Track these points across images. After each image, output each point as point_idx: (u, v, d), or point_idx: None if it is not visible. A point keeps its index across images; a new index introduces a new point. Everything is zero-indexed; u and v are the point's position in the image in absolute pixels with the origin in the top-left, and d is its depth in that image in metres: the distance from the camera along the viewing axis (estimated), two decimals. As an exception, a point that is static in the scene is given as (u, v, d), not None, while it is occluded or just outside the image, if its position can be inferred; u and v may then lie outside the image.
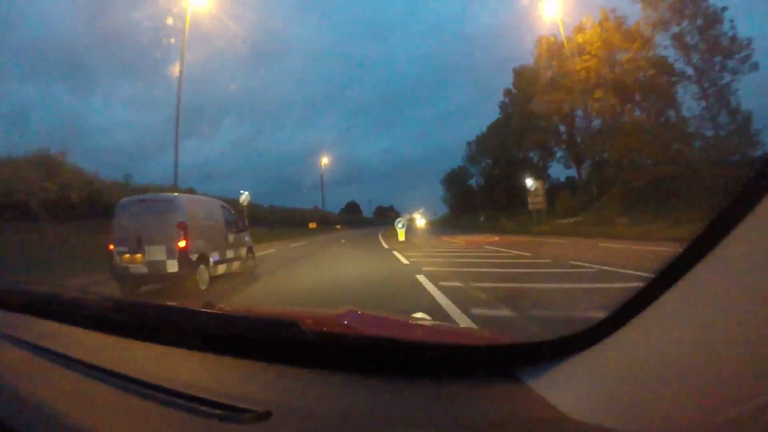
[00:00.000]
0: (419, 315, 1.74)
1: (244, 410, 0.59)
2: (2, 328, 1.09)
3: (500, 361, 0.68)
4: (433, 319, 1.59)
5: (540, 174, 28.52)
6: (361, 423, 0.57)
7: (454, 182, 60.44)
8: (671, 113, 20.36)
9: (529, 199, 22.88)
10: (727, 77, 18.68)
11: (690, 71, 19.47)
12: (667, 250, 0.62)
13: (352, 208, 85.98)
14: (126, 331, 0.96)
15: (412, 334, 0.91)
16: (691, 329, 0.46)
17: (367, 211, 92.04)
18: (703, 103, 19.15)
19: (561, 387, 0.58)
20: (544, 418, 0.54)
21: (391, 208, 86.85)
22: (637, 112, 21.52)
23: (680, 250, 0.49)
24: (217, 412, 0.60)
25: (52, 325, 1.11)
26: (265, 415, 0.57)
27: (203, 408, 0.61)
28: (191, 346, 0.85)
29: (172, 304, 1.08)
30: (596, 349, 0.57)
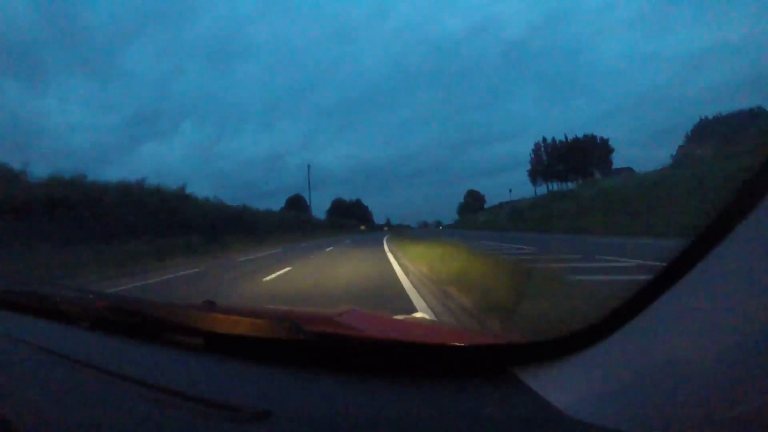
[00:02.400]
0: (419, 315, 1.74)
1: (244, 410, 0.59)
2: (2, 328, 1.09)
3: (500, 360, 0.68)
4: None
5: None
6: (361, 423, 0.57)
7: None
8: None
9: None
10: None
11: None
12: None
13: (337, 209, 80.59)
14: (126, 331, 0.96)
15: (411, 334, 0.91)
16: (692, 329, 0.46)
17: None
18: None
19: (561, 387, 0.57)
20: (544, 418, 0.54)
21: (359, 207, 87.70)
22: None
23: (681, 249, 0.50)
24: (217, 412, 0.60)
25: (52, 325, 1.11)
26: (265, 415, 0.57)
27: (203, 408, 0.61)
28: (191, 346, 0.85)
29: (172, 304, 1.08)
30: (596, 348, 0.57)
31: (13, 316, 1.24)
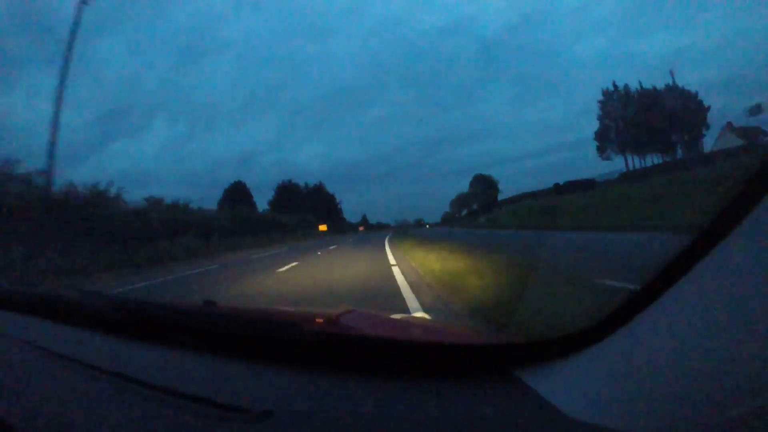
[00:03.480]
0: (419, 314, 1.74)
1: (245, 410, 0.59)
2: (2, 329, 1.09)
3: (500, 360, 0.68)
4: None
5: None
6: (361, 423, 0.57)
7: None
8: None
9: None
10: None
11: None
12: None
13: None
14: (126, 330, 0.96)
15: (411, 333, 0.91)
16: (692, 329, 0.46)
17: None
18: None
19: (561, 387, 0.57)
20: (544, 418, 0.54)
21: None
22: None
23: (681, 249, 0.49)
24: (217, 412, 0.60)
25: (52, 325, 1.11)
26: (266, 415, 0.57)
27: (203, 408, 0.61)
28: (191, 346, 0.85)
29: (172, 304, 1.08)
30: (596, 348, 0.57)
31: (14, 316, 1.24)
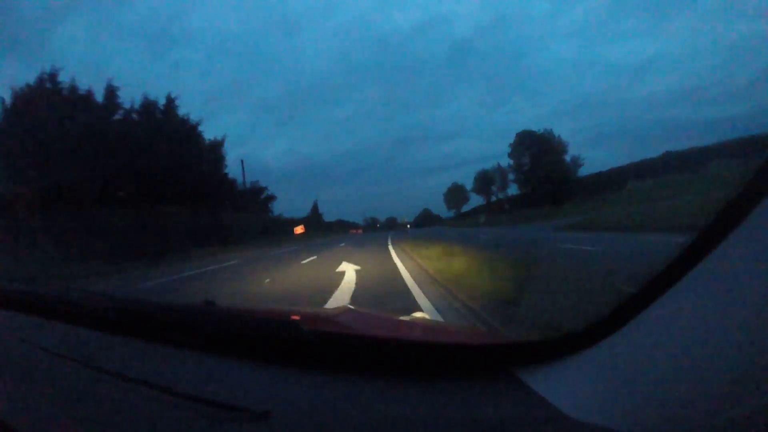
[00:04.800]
0: (419, 314, 1.75)
1: (244, 410, 0.59)
2: (3, 329, 1.09)
3: (500, 360, 0.68)
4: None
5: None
6: (360, 423, 0.57)
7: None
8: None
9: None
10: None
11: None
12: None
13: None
14: (126, 330, 0.96)
15: (410, 333, 0.91)
16: (692, 329, 0.46)
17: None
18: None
19: (561, 387, 0.57)
20: (544, 418, 0.54)
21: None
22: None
23: (681, 249, 0.49)
24: (217, 412, 0.60)
25: (52, 325, 1.11)
26: (265, 415, 0.57)
27: (203, 408, 0.61)
28: (191, 346, 0.85)
29: (172, 304, 1.08)
30: (596, 348, 0.57)
31: (14, 316, 1.24)
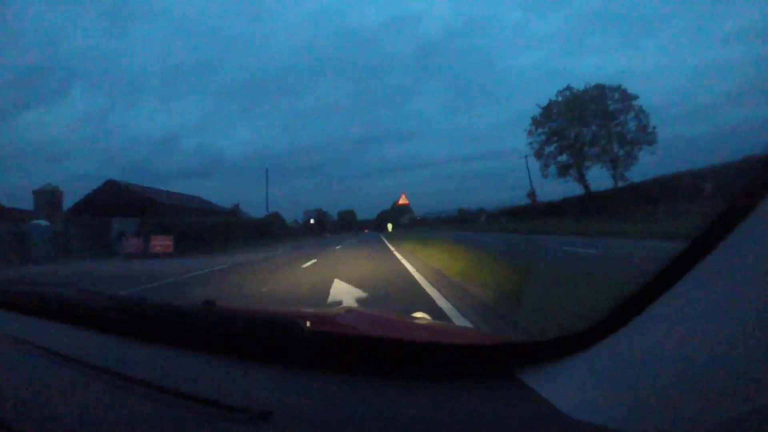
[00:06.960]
0: (419, 314, 1.74)
1: (244, 410, 0.59)
2: (2, 329, 1.09)
3: (500, 360, 0.68)
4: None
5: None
6: (362, 423, 0.57)
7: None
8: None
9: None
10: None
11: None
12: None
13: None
14: (126, 330, 0.96)
15: (411, 333, 0.91)
16: (692, 330, 0.46)
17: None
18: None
19: (561, 387, 0.58)
20: (544, 418, 0.54)
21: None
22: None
23: (681, 249, 0.50)
24: (217, 411, 0.60)
25: (52, 325, 1.11)
26: (266, 415, 0.57)
27: (204, 408, 0.61)
28: (191, 346, 0.85)
29: (172, 304, 1.08)
30: (596, 348, 0.57)
31: (14, 316, 1.24)
